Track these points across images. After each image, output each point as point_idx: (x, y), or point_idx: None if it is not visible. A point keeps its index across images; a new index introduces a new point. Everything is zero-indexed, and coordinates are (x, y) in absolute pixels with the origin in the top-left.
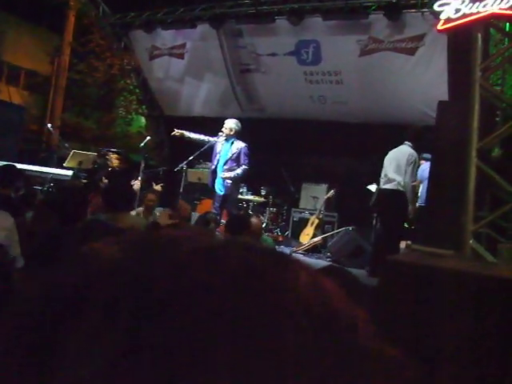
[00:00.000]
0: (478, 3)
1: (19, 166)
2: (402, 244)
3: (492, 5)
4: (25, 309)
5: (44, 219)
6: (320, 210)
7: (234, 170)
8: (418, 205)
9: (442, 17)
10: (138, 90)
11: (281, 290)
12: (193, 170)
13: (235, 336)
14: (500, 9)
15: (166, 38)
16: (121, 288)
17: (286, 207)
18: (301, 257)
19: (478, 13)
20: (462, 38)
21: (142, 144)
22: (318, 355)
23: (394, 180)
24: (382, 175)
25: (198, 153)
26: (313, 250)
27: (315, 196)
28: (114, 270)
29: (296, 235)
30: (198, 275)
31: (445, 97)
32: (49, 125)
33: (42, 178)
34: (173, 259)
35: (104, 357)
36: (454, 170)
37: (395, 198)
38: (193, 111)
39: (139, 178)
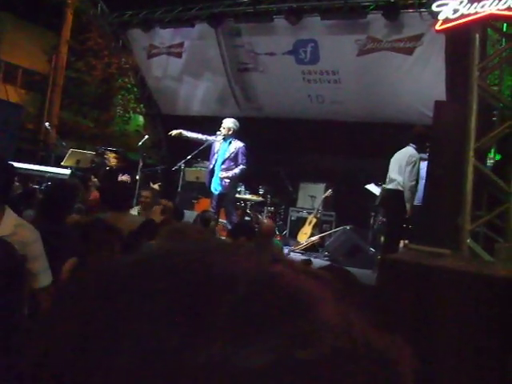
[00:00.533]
0: (476, 4)
1: (16, 164)
2: (401, 243)
3: (490, 5)
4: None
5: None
6: (318, 209)
7: (231, 169)
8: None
9: (440, 17)
10: (135, 89)
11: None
12: (191, 169)
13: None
14: (498, 9)
15: (164, 36)
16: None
17: (283, 206)
18: (299, 256)
19: (476, 13)
20: (459, 39)
21: (140, 143)
22: None
23: (395, 180)
24: (387, 176)
25: (195, 152)
26: (310, 248)
27: (313, 195)
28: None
29: (294, 234)
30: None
31: (442, 97)
32: (46, 123)
33: (39, 176)
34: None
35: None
36: (451, 169)
37: (395, 198)
38: (191, 110)
39: (126, 174)
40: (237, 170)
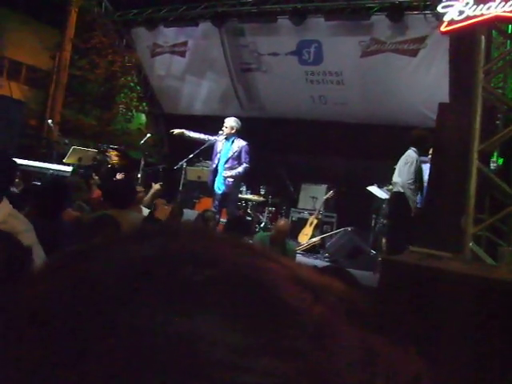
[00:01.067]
0: (481, 5)
1: (18, 161)
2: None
3: (496, 7)
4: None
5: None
6: (319, 211)
7: (235, 168)
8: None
9: (446, 18)
10: (138, 88)
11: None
12: (192, 168)
13: None
14: (504, 11)
15: (168, 35)
16: None
17: (284, 207)
18: (299, 257)
19: (482, 15)
20: (464, 41)
21: (142, 141)
22: None
23: (396, 183)
24: None
25: (197, 151)
26: (311, 250)
27: (314, 196)
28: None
29: (295, 235)
30: None
31: (445, 99)
32: (49, 120)
33: (41, 173)
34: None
35: None
36: (454, 172)
37: (397, 200)
38: (193, 109)
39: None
40: (240, 169)
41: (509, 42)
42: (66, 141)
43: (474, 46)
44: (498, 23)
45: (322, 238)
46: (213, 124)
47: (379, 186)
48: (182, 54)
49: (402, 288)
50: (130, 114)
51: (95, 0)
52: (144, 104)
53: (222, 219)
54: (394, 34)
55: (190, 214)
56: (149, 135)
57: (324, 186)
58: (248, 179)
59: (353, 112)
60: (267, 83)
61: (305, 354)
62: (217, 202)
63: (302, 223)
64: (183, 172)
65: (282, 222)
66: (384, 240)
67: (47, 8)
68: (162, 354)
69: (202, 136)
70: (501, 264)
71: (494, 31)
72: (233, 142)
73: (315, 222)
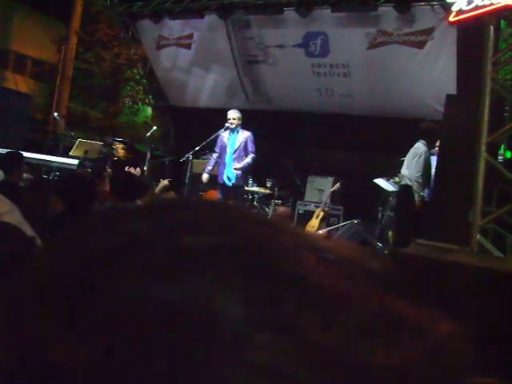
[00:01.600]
0: None
1: (25, 154)
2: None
3: None
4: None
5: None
6: (325, 203)
7: (242, 158)
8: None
9: (454, 8)
10: (144, 80)
11: None
12: (198, 160)
13: None
14: None
15: (174, 27)
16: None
17: (291, 199)
18: None
19: (491, 4)
20: (472, 31)
21: (148, 134)
22: None
23: (404, 176)
24: None
25: (203, 143)
26: None
27: (321, 189)
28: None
29: (301, 227)
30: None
31: (453, 91)
32: (55, 113)
33: (47, 166)
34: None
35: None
36: (461, 164)
37: (404, 193)
38: (199, 102)
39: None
40: (248, 160)
41: None
42: (72, 134)
43: (482, 36)
44: (506, 13)
45: (328, 231)
46: (219, 116)
47: (386, 179)
48: (188, 47)
49: (408, 281)
50: (135, 106)
51: None
52: (150, 97)
53: None
54: (401, 25)
55: None
56: (155, 128)
57: (330, 179)
58: (254, 172)
59: (359, 104)
60: (273, 75)
61: (306, 329)
62: (222, 195)
63: (308, 216)
64: (189, 165)
65: (281, 208)
66: (390, 233)
67: (52, 1)
68: (153, 322)
69: (213, 158)
70: (509, 256)
71: (502, 22)
72: (237, 132)
73: (322, 214)
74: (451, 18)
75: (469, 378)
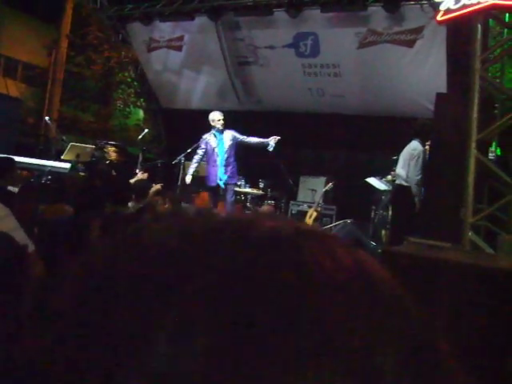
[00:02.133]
0: None
1: (17, 158)
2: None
3: None
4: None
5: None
6: (318, 203)
7: (233, 157)
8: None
9: (442, 8)
10: (136, 83)
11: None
12: (190, 162)
13: None
14: None
15: (164, 30)
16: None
17: (284, 200)
18: None
19: (479, 3)
20: (461, 30)
21: (140, 137)
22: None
23: (399, 175)
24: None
25: (195, 146)
26: None
27: (313, 189)
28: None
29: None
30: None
31: (443, 89)
32: (47, 117)
33: (39, 170)
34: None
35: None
36: (452, 162)
37: (400, 193)
38: (191, 104)
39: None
40: (255, 139)
41: (506, 30)
42: (64, 137)
43: (470, 35)
44: (494, 11)
45: None
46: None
47: (378, 178)
48: (179, 49)
49: (401, 279)
50: (127, 109)
51: None
52: (141, 99)
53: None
54: (391, 24)
55: (188, 209)
56: (146, 130)
57: (323, 179)
58: (246, 173)
59: (350, 104)
60: (264, 76)
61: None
62: (214, 198)
63: (301, 216)
64: (181, 167)
65: (265, 207)
66: (384, 232)
67: (42, 4)
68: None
69: (195, 162)
70: (499, 253)
71: (491, 21)
72: (222, 132)
73: (315, 214)
74: (439, 18)
75: None
